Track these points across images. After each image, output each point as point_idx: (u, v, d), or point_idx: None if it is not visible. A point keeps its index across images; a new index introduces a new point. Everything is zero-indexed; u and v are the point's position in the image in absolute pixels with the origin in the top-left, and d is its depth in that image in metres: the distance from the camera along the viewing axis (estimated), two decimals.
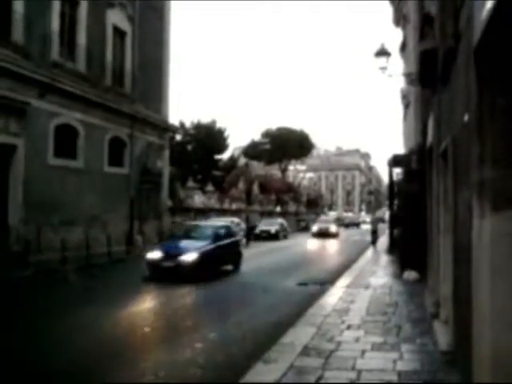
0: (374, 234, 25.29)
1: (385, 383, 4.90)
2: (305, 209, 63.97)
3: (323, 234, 33.84)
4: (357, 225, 60.94)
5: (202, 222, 19.78)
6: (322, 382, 4.91)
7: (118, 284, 12.59)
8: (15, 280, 12.35)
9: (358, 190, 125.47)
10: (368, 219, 66.07)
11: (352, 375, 5.08)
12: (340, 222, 57.36)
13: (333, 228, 35.83)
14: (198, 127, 51.42)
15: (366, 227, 46.54)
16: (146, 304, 10.02)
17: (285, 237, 32.89)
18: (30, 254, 14.29)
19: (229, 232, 15.90)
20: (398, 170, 18.82)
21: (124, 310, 9.13)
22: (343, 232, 41.61)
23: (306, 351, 5.93)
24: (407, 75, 12.70)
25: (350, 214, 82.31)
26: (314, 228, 36.35)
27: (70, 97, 18.14)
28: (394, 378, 5.04)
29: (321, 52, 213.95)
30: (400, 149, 27.06)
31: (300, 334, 6.76)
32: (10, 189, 15.63)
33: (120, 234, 19.76)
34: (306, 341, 6.38)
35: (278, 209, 52.72)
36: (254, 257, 19.67)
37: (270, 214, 45.05)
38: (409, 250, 12.78)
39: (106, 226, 19.37)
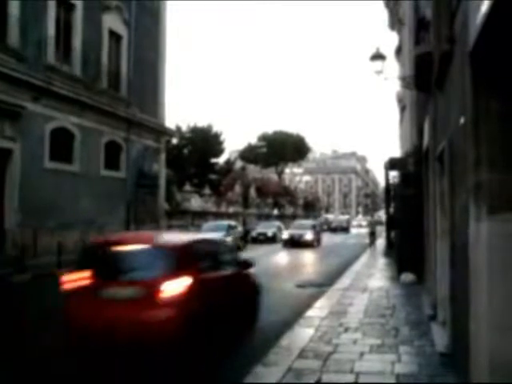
0: (372, 236, 25.74)
1: None
2: (302, 212, 64.04)
3: (296, 244, 26.58)
4: (345, 229, 50.55)
5: None
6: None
7: None
8: (11, 285, 12.27)
9: (355, 193, 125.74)
10: (363, 222, 64.89)
11: (350, 378, 5.08)
12: (326, 225, 51.31)
13: (308, 235, 27.78)
14: (195, 131, 51.40)
15: (362, 231, 44.05)
16: None
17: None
18: (27, 257, 14.23)
19: None
20: (394, 173, 18.87)
21: None
22: (329, 238, 35.45)
23: (303, 354, 5.93)
24: (403, 79, 12.73)
25: (346, 217, 77.13)
26: (284, 235, 28.46)
27: (66, 100, 18.13)
28: (392, 380, 5.05)
29: (318, 55, 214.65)
30: (396, 152, 27.21)
31: (298, 337, 6.77)
32: (5, 193, 15.60)
33: None
34: (304, 343, 6.39)
35: (275, 212, 52.78)
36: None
37: (267, 217, 45.09)
38: (406, 253, 12.80)
39: (102, 229, 19.32)
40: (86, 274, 5.68)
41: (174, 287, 5.37)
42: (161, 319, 5.25)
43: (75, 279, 5.74)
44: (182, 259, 5.71)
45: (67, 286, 5.79)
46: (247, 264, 7.67)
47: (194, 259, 5.99)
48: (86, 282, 5.64)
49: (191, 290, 5.47)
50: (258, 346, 6.53)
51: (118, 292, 5.51)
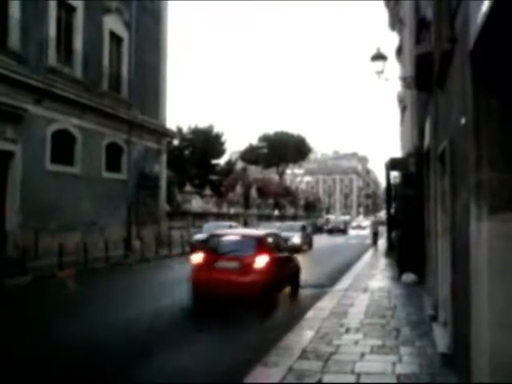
0: (375, 236, 26.51)
1: None
2: (303, 212, 64.01)
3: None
4: (343, 231, 47.60)
5: None
6: None
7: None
8: (12, 287, 12.21)
9: (356, 193, 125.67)
10: (363, 223, 64.46)
11: (351, 378, 5.07)
12: (324, 226, 48.68)
13: (296, 239, 24.16)
14: (196, 132, 51.43)
15: (362, 233, 43.47)
16: None
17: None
18: (28, 259, 14.22)
19: None
20: (395, 174, 18.87)
21: None
22: (325, 241, 33.91)
23: (304, 354, 5.92)
24: (404, 79, 12.71)
25: (343, 218, 74.99)
26: None
27: (67, 103, 18.14)
28: (393, 380, 5.03)
29: (319, 56, 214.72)
30: (397, 152, 27.20)
31: (299, 337, 6.76)
32: (7, 195, 15.61)
33: (118, 238, 19.73)
34: (305, 344, 6.37)
35: (276, 213, 52.77)
36: None
37: (268, 218, 45.09)
38: (407, 253, 12.79)
39: (103, 230, 19.34)
40: (206, 253, 9.64)
41: (261, 261, 9.22)
42: (253, 281, 8.93)
43: (199, 257, 9.68)
44: (262, 244, 9.69)
45: (193, 261, 9.83)
46: (294, 250, 12.14)
47: (268, 245, 9.95)
48: (206, 258, 9.53)
49: (268, 263, 9.30)
50: (258, 346, 6.52)
51: (226, 264, 9.36)
